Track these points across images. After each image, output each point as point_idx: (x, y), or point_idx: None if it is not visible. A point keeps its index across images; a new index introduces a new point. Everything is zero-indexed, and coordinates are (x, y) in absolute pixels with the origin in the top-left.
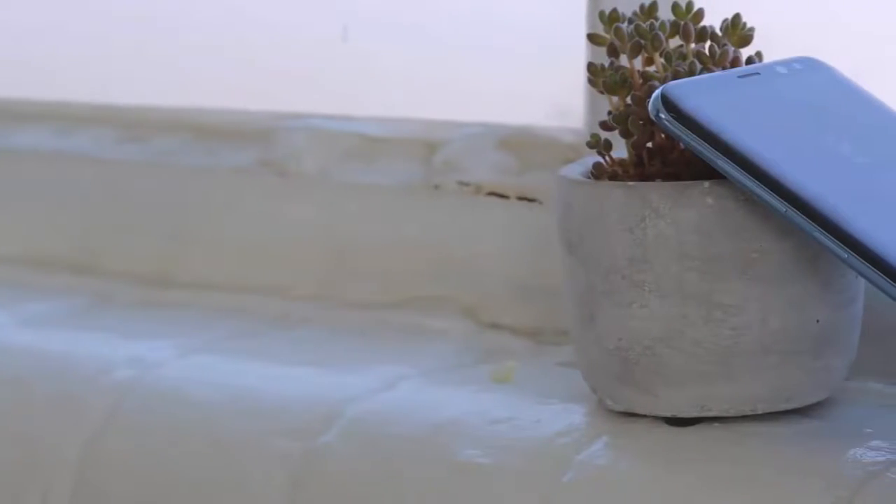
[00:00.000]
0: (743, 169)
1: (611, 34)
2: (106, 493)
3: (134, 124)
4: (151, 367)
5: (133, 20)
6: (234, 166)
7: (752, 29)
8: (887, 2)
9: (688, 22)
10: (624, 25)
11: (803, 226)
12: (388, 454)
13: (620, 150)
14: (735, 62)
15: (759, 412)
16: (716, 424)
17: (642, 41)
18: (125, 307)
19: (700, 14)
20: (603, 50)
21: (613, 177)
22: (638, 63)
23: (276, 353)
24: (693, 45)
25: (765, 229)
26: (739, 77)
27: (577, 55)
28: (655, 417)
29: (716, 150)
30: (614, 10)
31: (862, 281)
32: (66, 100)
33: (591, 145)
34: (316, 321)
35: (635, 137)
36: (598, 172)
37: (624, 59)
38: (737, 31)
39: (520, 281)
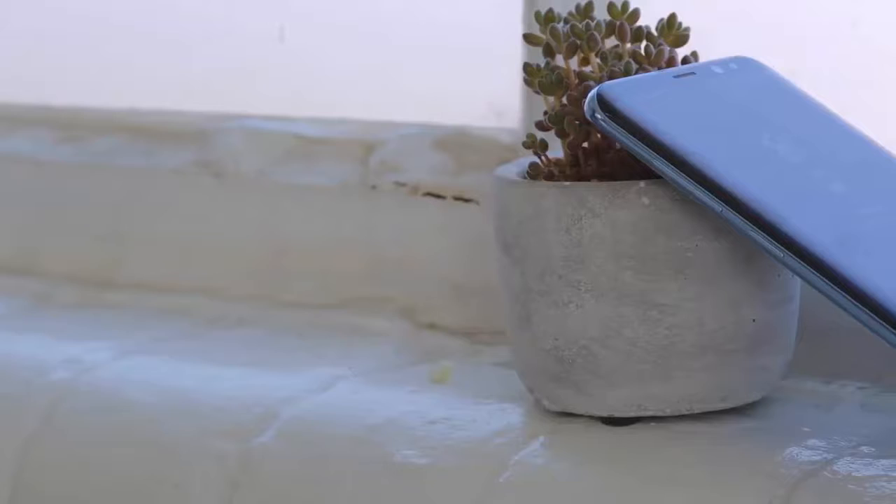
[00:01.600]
0: (678, 169)
1: (546, 34)
2: (43, 494)
3: (71, 125)
4: (89, 368)
5: (70, 20)
6: (171, 167)
7: (687, 29)
8: (822, 2)
9: (623, 22)
10: (560, 25)
11: (739, 225)
12: (324, 455)
13: (556, 151)
14: (671, 62)
15: (696, 412)
16: (652, 424)
17: (578, 41)
18: (63, 308)
19: (636, 14)
20: (539, 50)
21: (549, 177)
22: (574, 63)
23: (213, 354)
24: (629, 45)
25: (700, 229)
26: (675, 77)
27: (513, 55)
28: (592, 417)
29: (651, 149)
30: (550, 11)
31: (798, 280)
32: (3, 101)
33: (526, 145)
34: (253, 322)
35: (571, 137)
36: (534, 173)
37: (560, 60)
38: (672, 30)
39: (456, 281)
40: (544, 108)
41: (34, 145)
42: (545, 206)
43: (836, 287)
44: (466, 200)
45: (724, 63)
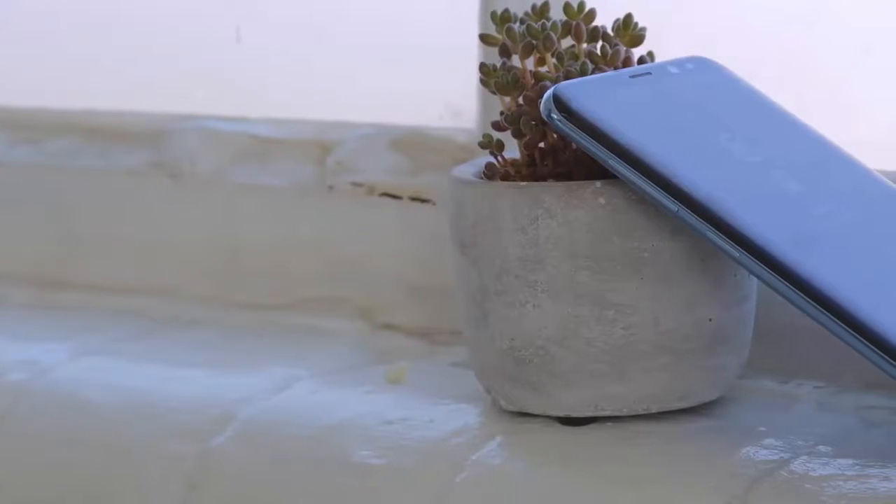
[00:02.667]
0: (634, 168)
1: (503, 35)
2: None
3: (26, 126)
4: (45, 369)
5: (25, 20)
6: (126, 168)
7: (643, 29)
8: (778, 3)
9: (579, 22)
10: (516, 26)
11: (695, 225)
12: (281, 455)
13: (513, 151)
14: (627, 62)
15: (653, 411)
16: (609, 424)
17: (534, 41)
18: (18, 309)
19: (592, 14)
20: (495, 50)
21: (506, 177)
22: (530, 63)
23: (169, 355)
24: (585, 45)
25: (657, 229)
26: (631, 77)
27: (469, 56)
28: (549, 417)
29: (607, 149)
30: (506, 11)
31: (754, 279)
32: None
33: (483, 146)
34: (210, 322)
35: (527, 138)
36: (490, 173)
37: (516, 60)
38: (628, 31)
39: (413, 281)
40: (501, 108)
41: None
42: (501, 207)
43: (792, 286)
44: (423, 201)
45: (680, 63)
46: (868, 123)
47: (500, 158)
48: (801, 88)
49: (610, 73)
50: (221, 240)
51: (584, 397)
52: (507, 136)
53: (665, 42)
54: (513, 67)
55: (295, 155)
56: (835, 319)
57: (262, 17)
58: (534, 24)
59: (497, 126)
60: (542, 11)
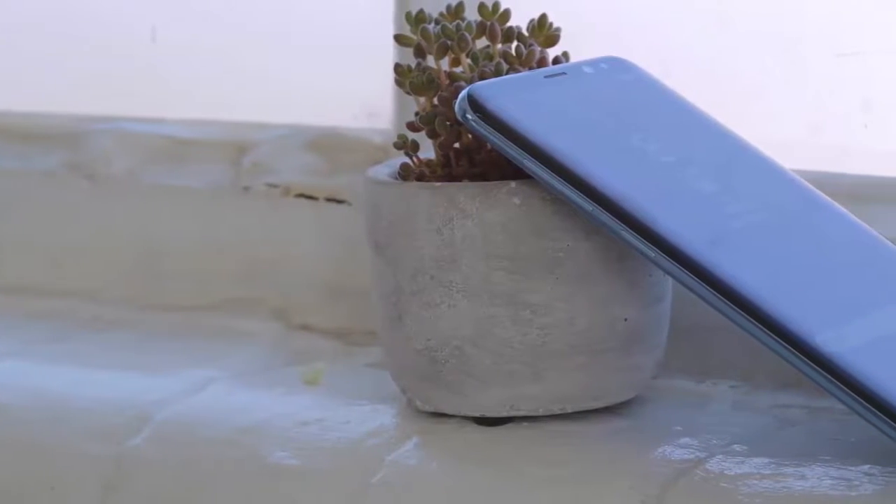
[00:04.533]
0: (549, 168)
1: (418, 35)
2: None
3: None
4: None
5: None
6: (42, 169)
7: (558, 29)
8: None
9: (494, 22)
10: (431, 26)
11: (610, 225)
12: (197, 456)
13: (428, 151)
14: (542, 62)
15: (569, 411)
16: (525, 424)
17: (449, 42)
18: None
19: (506, 14)
20: (411, 51)
21: (421, 177)
22: (445, 64)
23: (86, 357)
24: (500, 46)
25: (571, 229)
26: (546, 77)
27: (385, 56)
28: (465, 417)
29: (522, 150)
30: (421, 11)
31: (669, 279)
32: None
33: (398, 146)
34: (126, 324)
35: (442, 138)
36: (405, 173)
37: (431, 60)
38: (543, 31)
39: (329, 282)
40: (416, 108)
41: None
42: (416, 207)
43: (706, 286)
44: (339, 201)
45: (594, 63)
46: (782, 124)
47: (415, 159)
48: (717, 89)
49: (525, 73)
50: (138, 241)
51: (500, 397)
52: (422, 137)
53: (581, 43)
54: (428, 68)
55: (211, 156)
56: (749, 319)
57: (177, 18)
58: (448, 24)
59: (412, 126)
60: (457, 12)
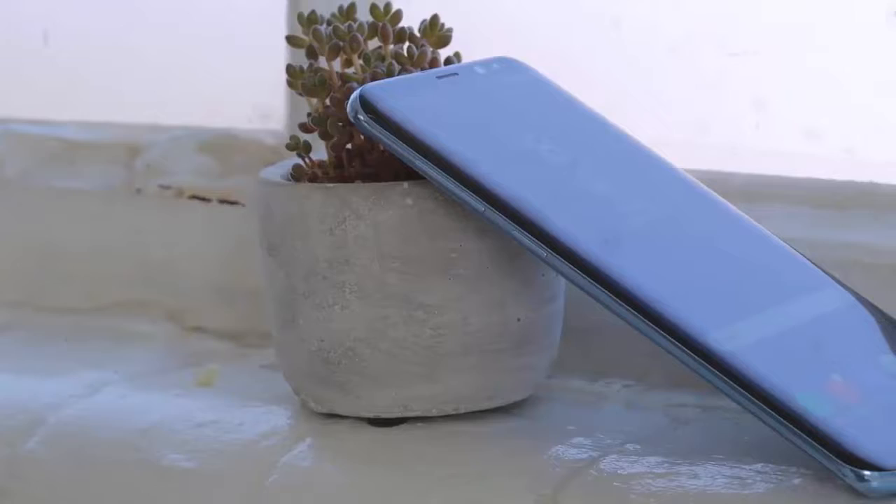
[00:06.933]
0: (440, 169)
1: (309, 36)
2: None
3: None
4: None
5: None
6: None
7: (450, 30)
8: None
9: (386, 23)
10: (322, 27)
11: (502, 225)
12: (91, 460)
13: (321, 152)
14: (434, 63)
15: (462, 411)
16: (419, 424)
17: (341, 43)
18: None
19: (398, 15)
20: (303, 52)
21: (313, 179)
22: (337, 65)
23: None
24: (392, 47)
25: (464, 229)
26: (438, 78)
27: (277, 57)
28: (359, 418)
29: (414, 150)
30: (313, 12)
31: (562, 279)
32: None
33: (290, 147)
34: (18, 327)
35: (335, 139)
36: (297, 174)
37: (323, 62)
38: (435, 31)
39: (222, 284)
40: (308, 109)
41: None
42: (309, 208)
43: (599, 286)
44: (232, 203)
45: (486, 64)
46: (673, 122)
47: (307, 160)
48: (608, 89)
49: (417, 74)
50: (29, 244)
51: (394, 398)
52: (315, 138)
53: (473, 43)
54: (320, 69)
55: (103, 158)
56: (642, 318)
57: (69, 20)
58: (340, 25)
59: (304, 128)
60: (348, 13)
